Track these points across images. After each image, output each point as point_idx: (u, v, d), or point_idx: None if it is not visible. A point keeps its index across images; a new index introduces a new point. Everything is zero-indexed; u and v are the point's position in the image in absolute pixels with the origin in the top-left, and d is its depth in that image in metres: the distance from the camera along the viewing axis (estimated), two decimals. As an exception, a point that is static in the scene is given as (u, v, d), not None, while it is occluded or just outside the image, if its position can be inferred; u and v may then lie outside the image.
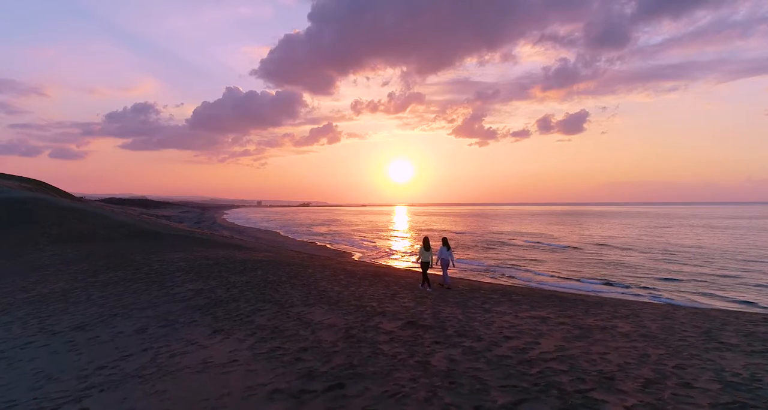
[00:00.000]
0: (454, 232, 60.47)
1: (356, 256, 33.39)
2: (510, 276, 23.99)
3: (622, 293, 19.24)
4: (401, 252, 37.68)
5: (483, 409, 4.19)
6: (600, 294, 16.90)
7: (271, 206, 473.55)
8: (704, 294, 19.32)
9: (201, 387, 5.11)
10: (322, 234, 61.33)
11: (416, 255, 13.76)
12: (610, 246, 40.28)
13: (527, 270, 26.45)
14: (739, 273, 24.93)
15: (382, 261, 30.13)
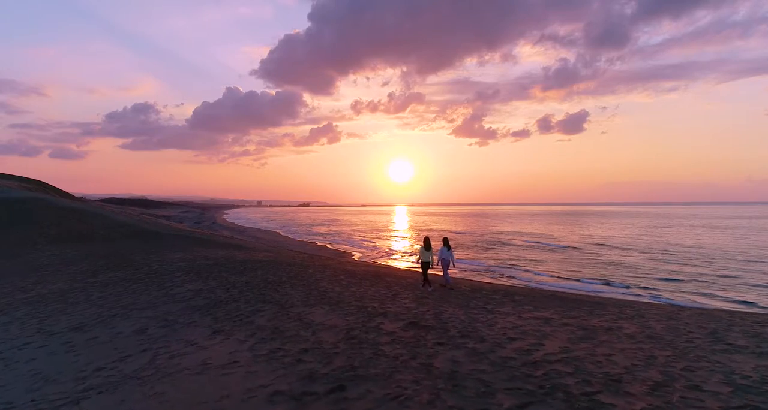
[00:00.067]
0: (454, 232, 60.41)
1: (356, 256, 33.33)
2: (509, 277, 23.94)
3: (622, 293, 19.22)
4: (401, 253, 37.62)
5: (488, 412, 4.12)
6: (602, 295, 16.84)
7: (271, 206, 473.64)
8: (704, 295, 19.32)
9: (200, 388, 5.03)
10: (322, 234, 61.28)
11: (416, 255, 13.69)
12: (610, 246, 40.24)
13: (527, 270, 26.41)
14: (739, 273, 24.92)
15: (383, 261, 30.06)
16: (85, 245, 22.29)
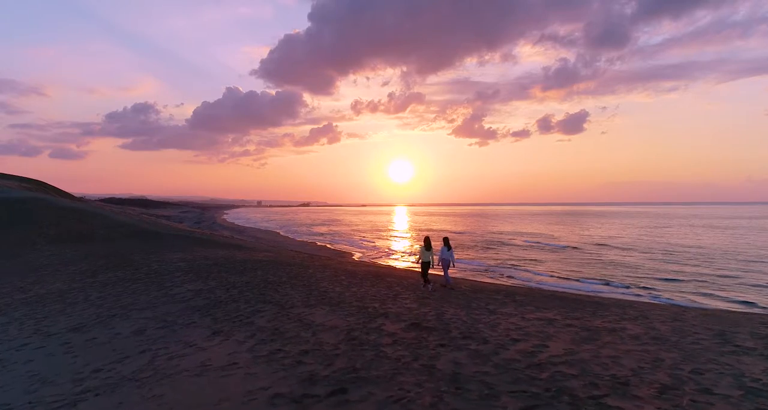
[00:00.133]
0: (454, 232, 60.37)
1: (356, 256, 33.26)
2: (509, 277, 23.91)
3: (622, 293, 19.22)
4: (401, 253, 37.56)
5: (492, 416, 4.04)
6: (604, 295, 16.77)
7: (271, 206, 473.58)
8: (705, 295, 19.33)
9: (199, 391, 4.96)
10: (322, 234, 61.25)
11: (416, 255, 13.62)
12: (610, 246, 40.21)
13: (527, 271, 26.39)
14: (739, 273, 24.92)
15: (383, 261, 29.99)
16: (84, 245, 22.21)
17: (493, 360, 5.62)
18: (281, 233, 61.46)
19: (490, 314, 8.63)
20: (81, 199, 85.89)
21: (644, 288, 20.82)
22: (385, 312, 8.47)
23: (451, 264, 12.60)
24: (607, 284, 21.78)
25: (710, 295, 19.17)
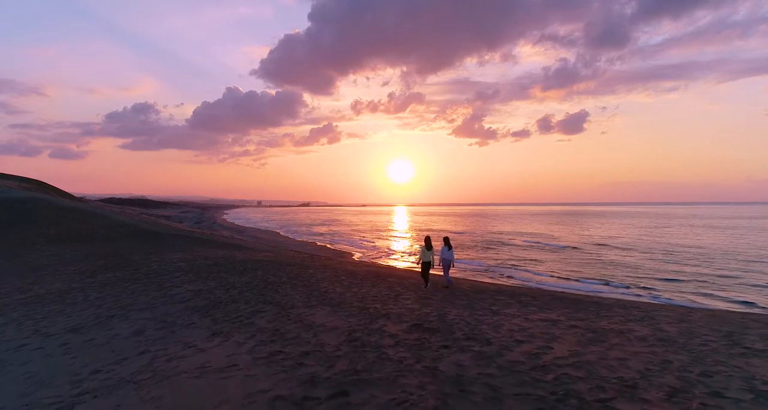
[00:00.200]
0: (454, 232, 60.30)
1: (356, 256, 33.19)
2: (509, 277, 23.86)
3: (622, 293, 19.19)
4: (401, 253, 37.50)
5: (498, 419, 3.95)
6: (607, 296, 16.69)
7: (271, 206, 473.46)
8: (705, 295, 19.30)
9: (198, 393, 4.88)
10: (322, 234, 61.20)
11: (416, 255, 13.54)
12: (610, 246, 40.16)
13: (527, 271, 26.34)
14: (740, 273, 24.90)
15: (383, 261, 29.92)
16: (84, 245, 22.13)
17: (497, 362, 5.53)
18: (281, 233, 61.39)
19: (493, 315, 8.54)
20: (81, 199, 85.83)
21: (644, 288, 20.81)
22: (386, 313, 8.39)
23: (452, 264, 12.54)
24: (607, 284, 21.76)
25: (710, 295, 19.15)
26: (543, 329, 7.33)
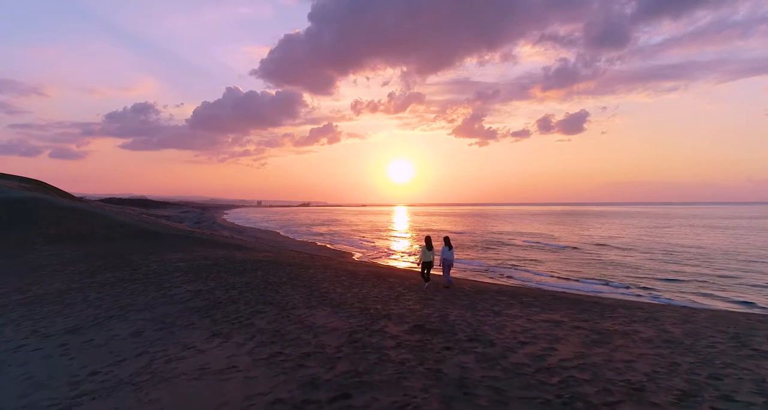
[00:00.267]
0: (454, 232, 60.21)
1: (356, 256, 33.12)
2: (509, 277, 23.80)
3: (622, 293, 19.16)
4: (401, 252, 37.43)
5: (503, 423, 3.87)
6: (611, 297, 16.61)
7: (271, 206, 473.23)
8: (705, 295, 19.26)
9: (197, 395, 4.80)
10: (322, 234, 61.13)
11: (415, 254, 13.46)
12: (610, 246, 40.10)
13: (527, 271, 26.29)
14: (740, 273, 24.87)
15: (382, 261, 29.84)
16: (84, 245, 22.05)
17: (502, 364, 5.45)
18: (281, 233, 61.31)
19: (495, 316, 8.46)
20: (81, 199, 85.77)
21: (644, 288, 20.78)
22: (387, 314, 8.31)
23: (452, 265, 12.46)
24: (607, 284, 21.72)
25: (711, 296, 19.11)
26: (546, 330, 7.24)
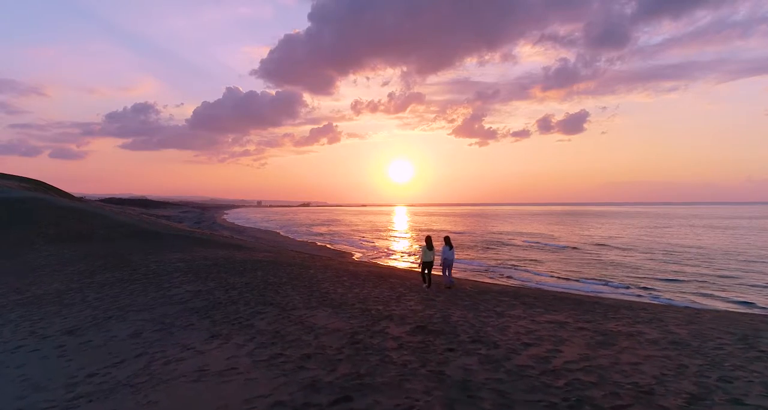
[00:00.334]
0: (454, 232, 60.17)
1: (356, 256, 33.05)
2: (509, 277, 23.77)
3: (622, 294, 19.14)
4: (401, 252, 37.38)
5: (508, 427, 3.78)
6: (612, 297, 16.54)
7: (271, 206, 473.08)
8: (705, 295, 19.25)
9: (196, 397, 4.73)
10: (322, 234, 61.10)
11: (415, 254, 13.37)
12: (610, 246, 40.08)
13: (527, 271, 26.26)
14: (740, 273, 24.88)
15: (382, 261, 29.77)
16: (83, 245, 21.99)
17: (506, 366, 5.36)
18: (281, 233, 61.26)
19: (498, 317, 8.37)
20: (81, 199, 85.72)
21: (645, 288, 20.76)
22: (389, 315, 8.23)
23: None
24: (607, 284, 21.69)
25: (711, 296, 19.11)
26: (550, 331, 7.15)
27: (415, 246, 41.86)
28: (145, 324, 8.13)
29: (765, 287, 20.89)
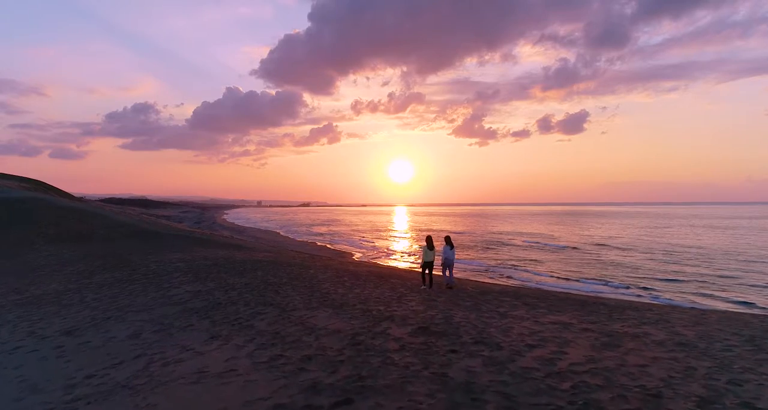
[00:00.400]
0: (454, 232, 60.08)
1: (356, 256, 32.98)
2: (509, 277, 23.71)
3: (622, 294, 19.12)
4: (401, 252, 37.31)
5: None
6: (616, 297, 16.49)
7: (271, 206, 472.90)
8: (705, 295, 19.19)
9: (196, 399, 4.65)
10: (321, 234, 61.02)
11: (416, 254, 13.27)
12: (610, 246, 40.03)
13: (527, 271, 26.20)
14: (740, 273, 24.84)
15: (382, 262, 29.70)
16: (83, 245, 21.91)
17: (510, 368, 5.28)
18: (281, 233, 61.17)
19: (501, 317, 8.29)
20: (81, 199, 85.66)
21: (645, 288, 20.71)
22: (390, 315, 8.15)
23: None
24: (607, 284, 21.63)
25: (711, 296, 19.05)
26: (555, 332, 7.07)
27: (416, 246, 41.78)
28: (144, 324, 8.05)
29: (765, 287, 20.85)
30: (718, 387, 4.74)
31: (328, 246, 43.06)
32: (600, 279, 22.86)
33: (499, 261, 30.34)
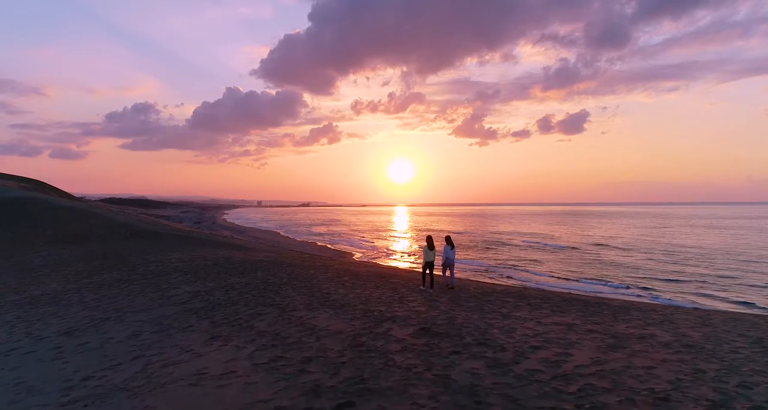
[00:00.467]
0: (454, 232, 59.98)
1: (356, 256, 32.90)
2: (508, 277, 23.64)
3: (622, 294, 19.09)
4: (401, 252, 37.24)
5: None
6: (620, 298, 16.40)
7: (271, 206, 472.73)
8: (705, 295, 19.13)
9: (194, 402, 4.58)
10: (321, 234, 60.95)
11: (416, 254, 13.18)
12: (610, 246, 39.97)
13: (527, 271, 26.14)
14: (740, 273, 24.79)
15: (382, 261, 29.61)
16: (82, 245, 21.83)
17: (514, 371, 5.19)
18: (281, 233, 61.09)
19: (503, 318, 8.20)
20: (81, 199, 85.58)
21: (645, 288, 20.66)
22: (392, 316, 8.06)
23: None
24: (607, 284, 21.59)
25: (711, 296, 19.00)
26: (559, 334, 6.98)
27: (416, 246, 41.70)
28: (143, 325, 7.97)
29: (765, 287, 20.81)
30: (728, 391, 4.66)
31: (329, 246, 42.99)
32: (600, 280, 22.82)
33: (499, 262, 30.27)
